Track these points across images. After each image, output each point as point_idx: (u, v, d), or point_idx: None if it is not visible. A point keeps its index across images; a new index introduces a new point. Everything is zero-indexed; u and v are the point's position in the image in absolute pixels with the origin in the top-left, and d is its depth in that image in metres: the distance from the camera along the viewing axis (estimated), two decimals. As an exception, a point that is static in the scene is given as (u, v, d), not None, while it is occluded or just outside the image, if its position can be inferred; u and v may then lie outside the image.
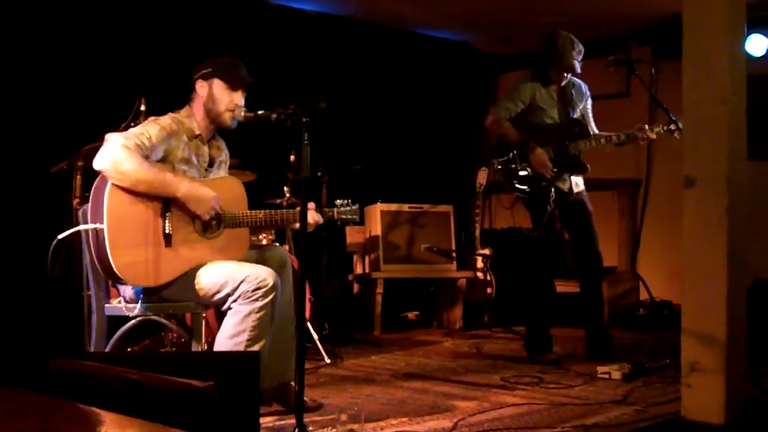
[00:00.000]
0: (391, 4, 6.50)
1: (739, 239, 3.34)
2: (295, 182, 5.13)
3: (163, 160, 3.40)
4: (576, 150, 4.74)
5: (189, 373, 1.98)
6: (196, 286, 3.35)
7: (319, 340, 4.88)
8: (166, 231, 3.33)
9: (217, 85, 3.55)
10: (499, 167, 4.88)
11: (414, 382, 4.30)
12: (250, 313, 3.30)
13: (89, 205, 3.33)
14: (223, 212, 3.47)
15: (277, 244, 4.97)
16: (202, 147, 3.58)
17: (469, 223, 6.76)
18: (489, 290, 6.39)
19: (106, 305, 3.46)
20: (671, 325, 4.90)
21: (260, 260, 3.53)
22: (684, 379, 3.34)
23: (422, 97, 7.45)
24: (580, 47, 4.76)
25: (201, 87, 3.56)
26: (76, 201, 4.14)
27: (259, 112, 3.44)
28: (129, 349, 4.45)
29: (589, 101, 4.97)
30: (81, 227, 3.37)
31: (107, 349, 3.41)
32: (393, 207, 6.34)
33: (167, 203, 3.35)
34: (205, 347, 3.62)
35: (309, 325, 4.79)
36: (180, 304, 3.44)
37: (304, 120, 3.10)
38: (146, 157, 3.30)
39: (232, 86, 3.55)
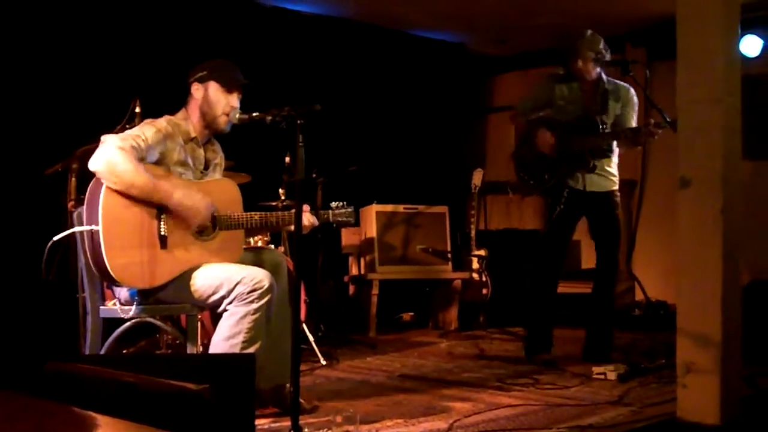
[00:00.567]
0: (386, 5, 6.50)
1: (735, 239, 3.35)
2: (291, 184, 5.13)
3: (159, 163, 3.40)
4: (581, 145, 4.69)
5: (184, 375, 1.97)
6: (192, 288, 3.35)
7: (314, 341, 4.87)
8: (162, 233, 3.32)
9: (213, 88, 3.54)
10: (511, 157, 4.98)
11: (409, 383, 4.29)
12: (246, 315, 3.30)
13: (84, 207, 3.32)
14: (219, 214, 3.47)
15: (272, 246, 4.97)
16: (198, 150, 3.57)
17: (464, 224, 6.76)
18: (484, 291, 6.39)
19: (101, 307, 3.46)
20: (667, 325, 4.90)
21: (255, 262, 3.52)
22: (679, 380, 3.34)
23: (418, 98, 7.46)
24: (600, 46, 4.68)
25: (197, 90, 3.56)
26: (70, 203, 4.13)
27: (254, 114, 3.43)
28: (124, 351, 4.44)
29: (632, 107, 4.78)
30: (76, 229, 3.36)
31: (102, 352, 3.40)
32: (388, 208, 6.33)
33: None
34: (201, 349, 3.61)
35: (305, 326, 4.79)
36: (175, 306, 3.44)
37: (299, 122, 3.10)
38: (142, 159, 3.29)
39: (228, 88, 3.55)
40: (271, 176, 5.25)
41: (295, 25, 6.55)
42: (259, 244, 4.83)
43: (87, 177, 3.37)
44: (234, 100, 3.56)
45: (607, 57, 4.72)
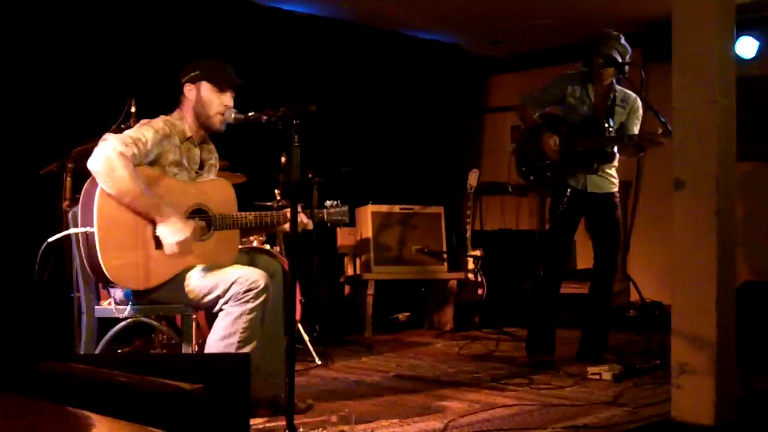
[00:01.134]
0: (381, 6, 6.50)
1: (729, 241, 3.36)
2: (286, 184, 5.13)
3: (154, 163, 3.39)
4: (584, 146, 4.69)
5: (179, 375, 1.97)
6: (187, 289, 3.35)
7: (309, 341, 4.87)
8: (157, 234, 3.32)
9: (205, 88, 3.54)
10: (513, 153, 4.97)
11: (405, 384, 4.30)
12: (241, 315, 3.30)
13: (79, 207, 3.32)
14: (213, 214, 3.46)
15: (268, 245, 4.97)
16: (194, 149, 3.57)
17: (460, 225, 6.76)
18: (480, 291, 6.39)
19: (96, 307, 3.45)
20: (661, 326, 4.91)
21: (251, 264, 3.52)
22: (674, 380, 3.35)
23: (413, 99, 7.46)
24: (625, 46, 4.67)
25: (189, 90, 3.55)
26: (65, 203, 4.13)
27: (250, 114, 3.43)
28: (119, 351, 4.43)
29: (636, 116, 4.79)
30: (71, 231, 3.35)
31: (97, 351, 3.39)
32: (384, 208, 6.33)
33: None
34: (196, 349, 3.61)
35: (300, 326, 4.79)
36: (170, 306, 3.43)
37: (294, 122, 3.10)
38: (139, 164, 3.29)
39: (220, 88, 3.54)
40: (267, 177, 5.25)
41: (291, 25, 6.55)
42: (255, 244, 4.84)
43: (82, 177, 3.37)
44: (227, 99, 3.55)
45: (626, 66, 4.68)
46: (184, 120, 3.55)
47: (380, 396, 3.97)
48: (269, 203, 5.05)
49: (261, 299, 3.32)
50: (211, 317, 3.45)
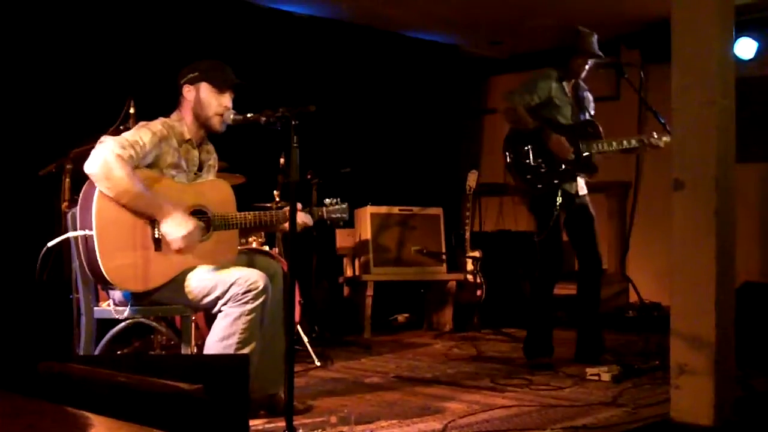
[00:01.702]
0: (380, 7, 6.50)
1: (728, 241, 3.36)
2: (285, 185, 5.13)
3: (152, 165, 3.39)
4: (588, 150, 4.71)
5: (178, 375, 1.97)
6: (186, 290, 3.35)
7: (309, 342, 4.87)
8: (156, 235, 3.32)
9: (204, 89, 3.53)
10: (510, 161, 4.81)
11: (404, 385, 4.29)
12: (240, 316, 3.29)
13: (78, 208, 3.32)
14: (213, 214, 3.46)
15: (267, 246, 4.97)
16: (192, 151, 3.57)
17: (459, 226, 6.76)
18: (479, 292, 6.39)
19: (95, 308, 3.45)
20: (660, 326, 4.91)
21: (250, 265, 3.52)
22: (673, 381, 3.35)
23: (412, 100, 7.46)
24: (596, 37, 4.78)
25: (188, 92, 3.55)
26: (64, 204, 4.13)
27: (249, 115, 3.43)
28: (118, 352, 4.43)
29: (593, 109, 4.93)
30: (70, 234, 3.35)
31: (96, 352, 3.39)
32: (383, 209, 6.33)
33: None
34: (195, 350, 3.61)
35: (299, 327, 4.79)
36: (170, 307, 3.44)
37: (293, 123, 3.10)
38: (137, 167, 3.29)
39: (219, 89, 3.54)
40: (266, 177, 5.24)
41: (289, 26, 6.55)
42: (254, 245, 4.83)
43: (81, 178, 3.36)
44: (226, 100, 3.55)
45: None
46: (182, 121, 3.55)
47: (379, 397, 3.97)
48: (268, 204, 5.05)
49: (260, 300, 3.32)
50: (211, 318, 3.45)
